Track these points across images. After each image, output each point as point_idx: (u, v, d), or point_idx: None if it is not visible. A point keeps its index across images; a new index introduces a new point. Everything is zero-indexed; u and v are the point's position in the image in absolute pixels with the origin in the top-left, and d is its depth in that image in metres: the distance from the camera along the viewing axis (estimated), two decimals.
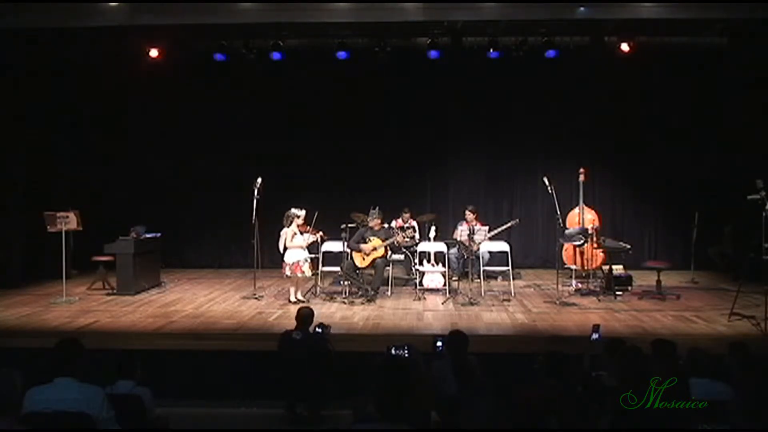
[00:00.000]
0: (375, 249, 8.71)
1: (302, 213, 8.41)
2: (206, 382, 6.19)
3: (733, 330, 6.86)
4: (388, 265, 9.08)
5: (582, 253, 9.45)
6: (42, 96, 10.21)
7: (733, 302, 7.27)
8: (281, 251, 8.42)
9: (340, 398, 5.14)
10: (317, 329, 5.62)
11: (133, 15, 8.55)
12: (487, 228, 9.07)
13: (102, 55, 10.19)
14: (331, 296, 8.77)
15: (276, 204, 9.02)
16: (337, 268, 9.09)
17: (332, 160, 11.46)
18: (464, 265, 9.27)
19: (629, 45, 9.56)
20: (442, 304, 8.42)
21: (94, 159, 11.31)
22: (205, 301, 8.66)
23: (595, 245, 9.17)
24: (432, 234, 9.51)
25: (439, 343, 5.07)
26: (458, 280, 9.36)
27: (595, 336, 5.37)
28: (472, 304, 8.23)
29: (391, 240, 8.78)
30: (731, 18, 8.70)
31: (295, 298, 8.43)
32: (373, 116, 11.32)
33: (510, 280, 9.15)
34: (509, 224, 9.61)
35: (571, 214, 9.88)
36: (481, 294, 8.74)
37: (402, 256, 9.52)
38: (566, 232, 9.16)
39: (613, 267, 8.90)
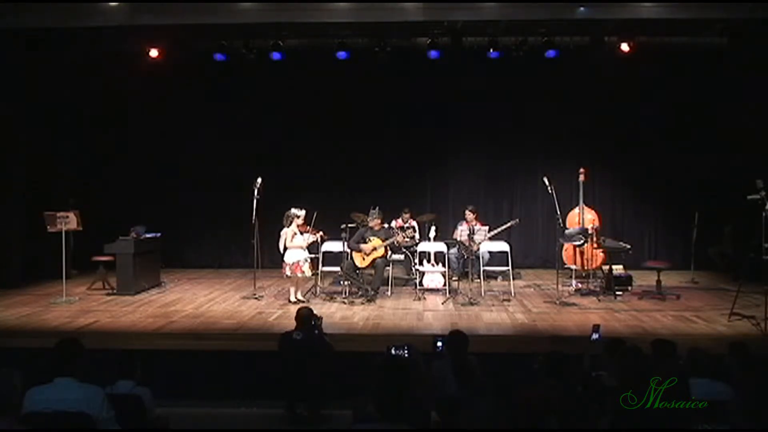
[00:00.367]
0: (375, 249, 8.71)
1: (302, 213, 8.41)
2: (206, 382, 6.19)
3: (733, 330, 6.86)
4: (388, 265, 9.08)
5: (582, 253, 9.45)
6: (42, 96, 10.20)
7: (733, 302, 7.27)
8: (281, 251, 8.42)
9: (340, 398, 5.14)
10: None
11: (133, 15, 8.55)
12: (487, 228, 9.07)
13: (102, 55, 10.19)
14: (331, 296, 8.77)
15: (276, 204, 9.02)
16: (337, 268, 9.09)
17: (332, 160, 11.46)
18: (464, 265, 9.27)
19: (629, 45, 9.56)
20: (442, 304, 8.42)
21: (94, 159, 11.32)
22: (205, 301, 8.66)
23: (595, 245, 9.17)
24: (432, 234, 9.51)
25: (439, 343, 5.08)
26: (458, 280, 9.36)
27: (595, 336, 5.37)
28: (472, 304, 8.23)
29: (391, 240, 8.78)
30: (731, 18, 8.69)
31: (295, 298, 8.43)
32: (373, 116, 11.32)
33: (510, 280, 9.15)
34: (509, 224, 9.61)
35: (571, 214, 9.88)
36: (481, 294, 8.74)
37: (402, 256, 9.52)
38: (566, 232, 9.16)
39: (613, 267, 8.90)
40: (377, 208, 9.05)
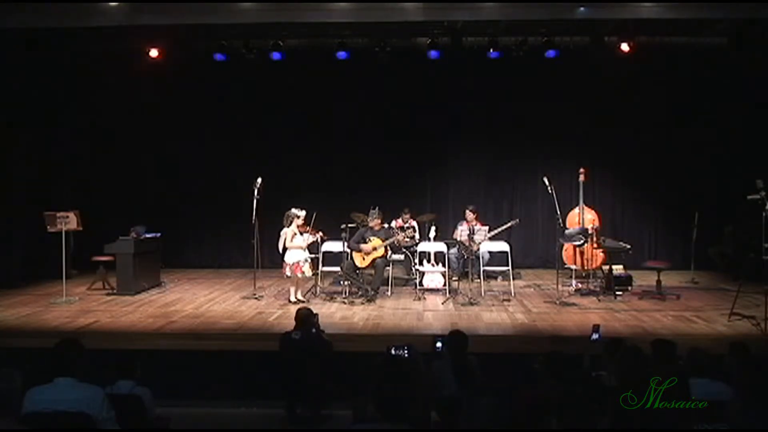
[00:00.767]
0: (375, 249, 8.71)
1: (302, 213, 8.41)
2: (206, 382, 6.19)
3: (733, 330, 6.86)
4: (388, 265, 9.08)
5: (582, 253, 9.45)
6: (42, 96, 10.20)
7: (733, 302, 7.26)
8: (281, 251, 8.42)
9: (340, 398, 5.14)
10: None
11: (133, 15, 8.54)
12: (487, 228, 9.07)
13: (102, 55, 10.19)
14: (331, 296, 8.77)
15: (276, 204, 9.02)
16: (337, 268, 9.09)
17: (332, 160, 11.45)
18: (464, 265, 9.27)
19: (629, 45, 9.55)
20: (442, 304, 8.42)
21: (94, 159, 11.32)
22: (205, 301, 8.66)
23: (595, 245, 9.17)
24: (432, 234, 9.51)
25: (439, 343, 5.08)
26: (458, 280, 9.36)
27: (595, 336, 5.38)
28: (472, 304, 8.23)
29: (391, 240, 8.78)
30: (731, 18, 8.69)
31: (295, 298, 8.43)
32: (373, 116, 11.32)
33: (510, 280, 9.15)
34: (509, 224, 9.61)
35: (571, 214, 9.88)
36: (481, 294, 8.73)
37: (402, 256, 9.52)
38: (566, 232, 9.16)
39: (613, 267, 8.90)
40: (377, 208, 9.05)
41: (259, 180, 8.72)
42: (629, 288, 8.86)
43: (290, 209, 8.41)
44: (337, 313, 7.85)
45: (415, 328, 7.17)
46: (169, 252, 10.45)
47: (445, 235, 9.81)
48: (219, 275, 10.72)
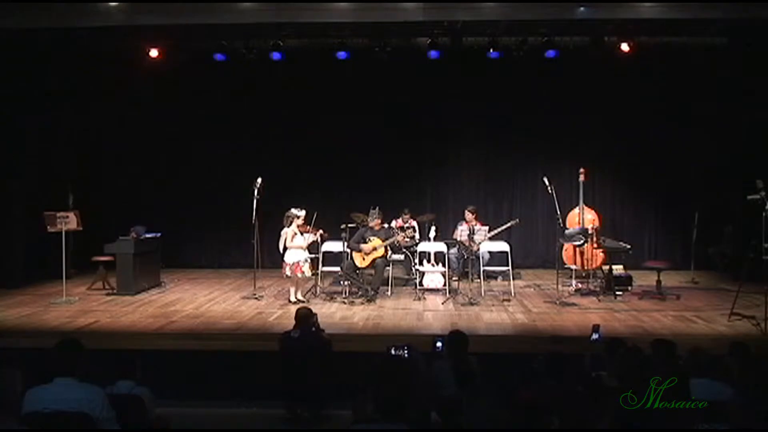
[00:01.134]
0: (375, 249, 8.71)
1: (302, 213, 8.42)
2: (206, 382, 6.19)
3: (733, 330, 6.86)
4: (388, 265, 9.08)
5: (582, 253, 9.45)
6: (42, 96, 10.19)
7: (733, 302, 7.27)
8: (281, 251, 8.42)
9: (340, 398, 5.14)
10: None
11: (133, 15, 8.54)
12: (487, 228, 9.07)
13: (102, 55, 10.19)
14: (331, 296, 8.77)
15: (276, 204, 9.02)
16: (337, 268, 9.09)
17: (332, 160, 11.45)
18: (464, 265, 9.26)
19: (629, 45, 9.55)
20: (442, 304, 8.42)
21: (94, 159, 11.31)
22: (205, 301, 8.66)
23: (595, 245, 9.16)
24: (432, 234, 9.51)
25: (439, 343, 5.08)
26: (458, 280, 9.36)
27: (595, 336, 5.38)
28: (472, 304, 8.23)
29: (391, 240, 8.78)
30: (731, 18, 8.69)
31: (295, 298, 8.43)
32: (373, 116, 11.31)
33: (510, 280, 9.15)
34: (509, 224, 9.61)
35: (571, 214, 9.88)
36: (481, 294, 8.73)
37: (402, 256, 9.52)
38: (566, 232, 9.16)
39: (613, 267, 8.90)
40: (377, 208, 9.05)
41: (259, 180, 8.71)
42: (629, 288, 8.86)
43: (290, 209, 8.42)
44: (337, 313, 7.85)
45: (415, 328, 7.17)
46: (169, 252, 10.44)
47: (445, 235, 9.81)
48: (219, 275, 10.72)
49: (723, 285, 9.31)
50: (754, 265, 7.22)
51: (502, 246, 9.45)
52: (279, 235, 8.42)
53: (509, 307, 8.18)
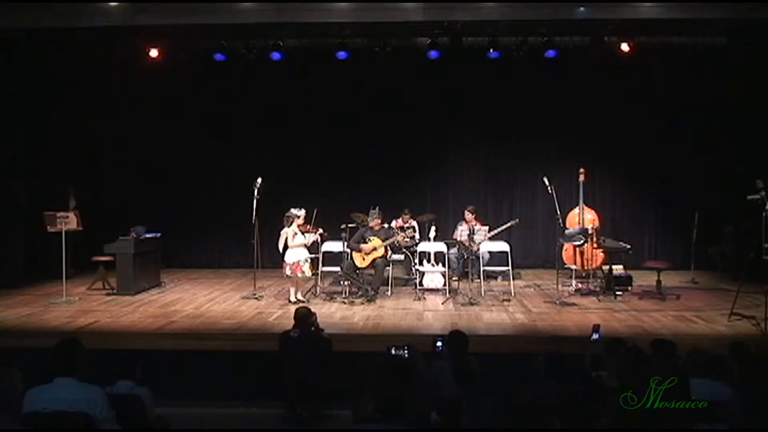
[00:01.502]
0: (375, 249, 8.71)
1: (302, 213, 8.42)
2: (206, 382, 6.19)
3: (733, 330, 6.86)
4: (388, 265, 9.08)
5: (582, 253, 9.45)
6: (42, 96, 10.20)
7: (733, 302, 7.26)
8: (281, 251, 8.42)
9: (340, 398, 5.14)
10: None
11: (133, 15, 8.55)
12: (487, 228, 9.07)
13: (102, 55, 10.19)
14: (331, 296, 8.77)
15: (276, 204, 9.02)
16: (337, 268, 9.09)
17: (332, 160, 11.46)
18: (464, 265, 9.26)
19: (629, 45, 9.56)
20: (442, 304, 8.42)
21: (94, 159, 11.31)
22: (205, 301, 8.66)
23: (595, 245, 9.17)
24: (432, 234, 9.51)
25: (439, 343, 5.07)
26: (458, 280, 9.36)
27: (595, 336, 5.37)
28: (472, 304, 8.23)
29: (391, 240, 8.78)
30: (731, 18, 8.69)
31: (295, 298, 8.43)
32: (373, 116, 11.32)
33: (510, 280, 9.15)
34: (509, 224, 9.61)
35: (571, 214, 9.88)
36: (481, 294, 8.74)
37: (402, 256, 9.52)
38: (566, 232, 9.16)
39: (613, 267, 8.90)
40: (377, 208, 9.05)
41: (259, 180, 8.71)
42: (629, 288, 8.85)
43: (290, 209, 8.42)
44: (337, 313, 7.85)
45: (415, 328, 7.17)
46: (169, 252, 10.45)
47: (445, 235, 9.81)
48: (219, 275, 10.72)
49: (723, 285, 9.31)
50: (754, 265, 7.22)
51: (502, 246, 9.45)
52: (279, 235, 8.42)
53: (509, 307, 8.18)
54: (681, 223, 10.52)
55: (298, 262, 8.27)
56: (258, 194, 8.67)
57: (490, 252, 9.63)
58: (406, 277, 9.75)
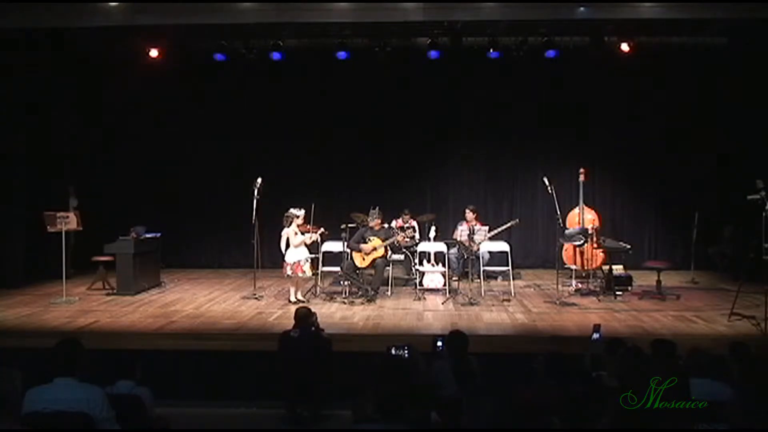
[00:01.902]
0: (375, 249, 8.71)
1: (301, 212, 8.41)
2: (206, 382, 6.19)
3: (733, 330, 6.85)
4: (388, 265, 9.08)
5: (582, 253, 9.45)
6: (42, 96, 10.20)
7: (733, 302, 7.26)
8: (283, 251, 8.42)
9: (340, 398, 5.14)
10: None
11: (133, 15, 8.56)
12: (487, 228, 9.07)
13: (102, 55, 10.18)
14: (331, 296, 8.77)
15: (276, 204, 9.02)
16: (337, 268, 9.09)
17: (332, 160, 11.45)
18: (464, 265, 9.27)
19: (629, 45, 9.56)
20: (442, 304, 8.42)
21: (94, 159, 11.32)
22: (205, 301, 8.66)
23: (595, 245, 9.17)
24: (432, 234, 9.51)
25: (439, 343, 5.07)
26: (458, 280, 9.36)
27: (595, 336, 5.37)
28: (472, 304, 8.23)
29: (391, 240, 8.78)
30: (731, 18, 8.69)
31: (295, 298, 8.43)
32: (373, 116, 11.32)
33: (510, 280, 9.15)
34: (509, 224, 9.61)
35: (571, 214, 9.88)
36: (481, 294, 8.74)
37: (402, 256, 9.52)
38: (566, 232, 9.16)
39: (613, 267, 8.90)
40: (377, 208, 9.05)
41: (259, 180, 8.71)
42: (629, 288, 8.85)
43: (289, 209, 8.42)
44: (337, 313, 7.85)
45: (415, 328, 7.17)
46: (169, 252, 10.45)
47: (445, 235, 9.81)
48: (219, 275, 10.72)
49: (723, 285, 9.31)
50: (754, 265, 7.22)
51: (502, 246, 9.45)
52: (280, 236, 8.42)
53: (509, 307, 8.18)
54: (681, 223, 10.52)
55: (299, 261, 8.27)
56: (258, 194, 8.67)
57: (490, 252, 9.64)
58: (406, 277, 9.75)
